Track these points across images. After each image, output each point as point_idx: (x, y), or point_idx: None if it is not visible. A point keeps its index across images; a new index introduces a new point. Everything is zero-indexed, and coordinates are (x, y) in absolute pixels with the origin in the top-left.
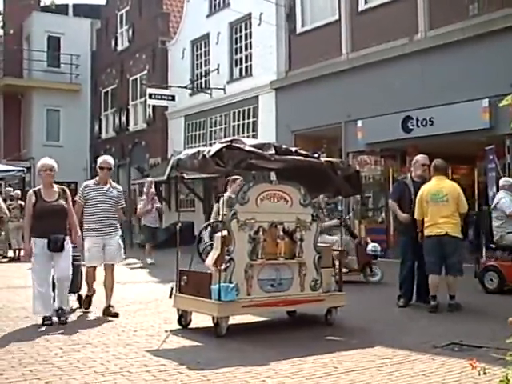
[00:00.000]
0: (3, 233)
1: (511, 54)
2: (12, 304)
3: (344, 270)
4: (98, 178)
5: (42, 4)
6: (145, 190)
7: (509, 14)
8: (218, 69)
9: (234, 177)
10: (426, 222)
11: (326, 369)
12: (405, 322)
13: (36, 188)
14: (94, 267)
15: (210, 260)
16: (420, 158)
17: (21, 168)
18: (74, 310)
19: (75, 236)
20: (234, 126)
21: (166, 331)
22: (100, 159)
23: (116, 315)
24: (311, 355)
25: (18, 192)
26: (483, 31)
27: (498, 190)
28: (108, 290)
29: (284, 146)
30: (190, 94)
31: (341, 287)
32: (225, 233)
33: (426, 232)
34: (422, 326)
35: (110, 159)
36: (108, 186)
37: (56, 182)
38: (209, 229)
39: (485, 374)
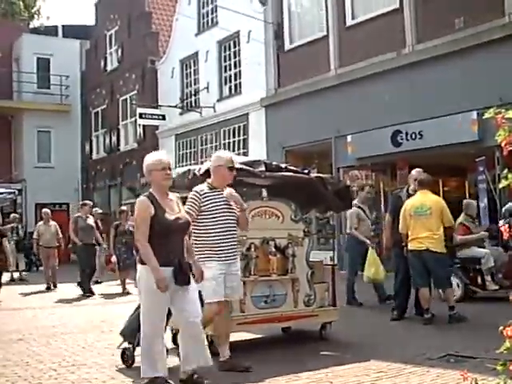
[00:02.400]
0: None
1: (498, 66)
2: (5, 326)
3: (494, 287)
4: (210, 180)
5: (31, 26)
6: None
7: (495, 27)
8: (207, 87)
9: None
10: (409, 235)
11: None
12: (400, 335)
13: (147, 193)
14: (220, 304)
15: None
16: (414, 172)
17: (12, 190)
18: None
19: (196, 264)
20: (224, 144)
21: None
22: (222, 155)
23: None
24: (306, 371)
25: None
26: (470, 44)
27: (488, 202)
28: (222, 334)
29: (274, 163)
30: (180, 113)
31: (334, 302)
32: None
33: (409, 246)
34: (417, 338)
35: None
36: (225, 191)
37: (46, 204)
38: None
39: None
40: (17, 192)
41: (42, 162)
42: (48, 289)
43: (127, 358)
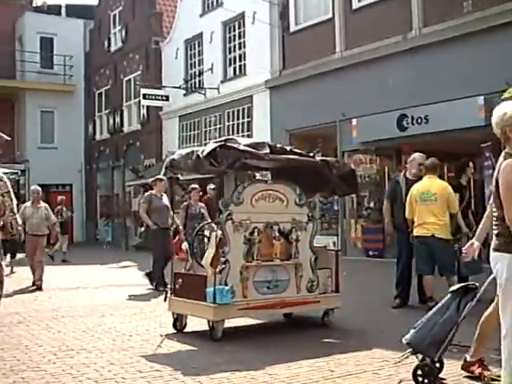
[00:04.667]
0: None
1: (506, 50)
2: (5, 309)
3: None
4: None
5: (34, 4)
6: None
7: (503, 11)
8: (211, 68)
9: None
10: (415, 221)
11: (323, 373)
12: (402, 323)
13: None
14: None
15: (206, 260)
16: (418, 156)
17: (15, 170)
18: None
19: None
20: (228, 126)
21: (161, 335)
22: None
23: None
24: (307, 359)
25: None
26: (478, 28)
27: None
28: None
29: (279, 145)
30: (184, 94)
31: (337, 288)
32: (220, 234)
33: (415, 232)
34: None
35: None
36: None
37: (50, 185)
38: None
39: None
40: (20, 173)
41: (45, 143)
42: (34, 284)
43: (423, 376)
